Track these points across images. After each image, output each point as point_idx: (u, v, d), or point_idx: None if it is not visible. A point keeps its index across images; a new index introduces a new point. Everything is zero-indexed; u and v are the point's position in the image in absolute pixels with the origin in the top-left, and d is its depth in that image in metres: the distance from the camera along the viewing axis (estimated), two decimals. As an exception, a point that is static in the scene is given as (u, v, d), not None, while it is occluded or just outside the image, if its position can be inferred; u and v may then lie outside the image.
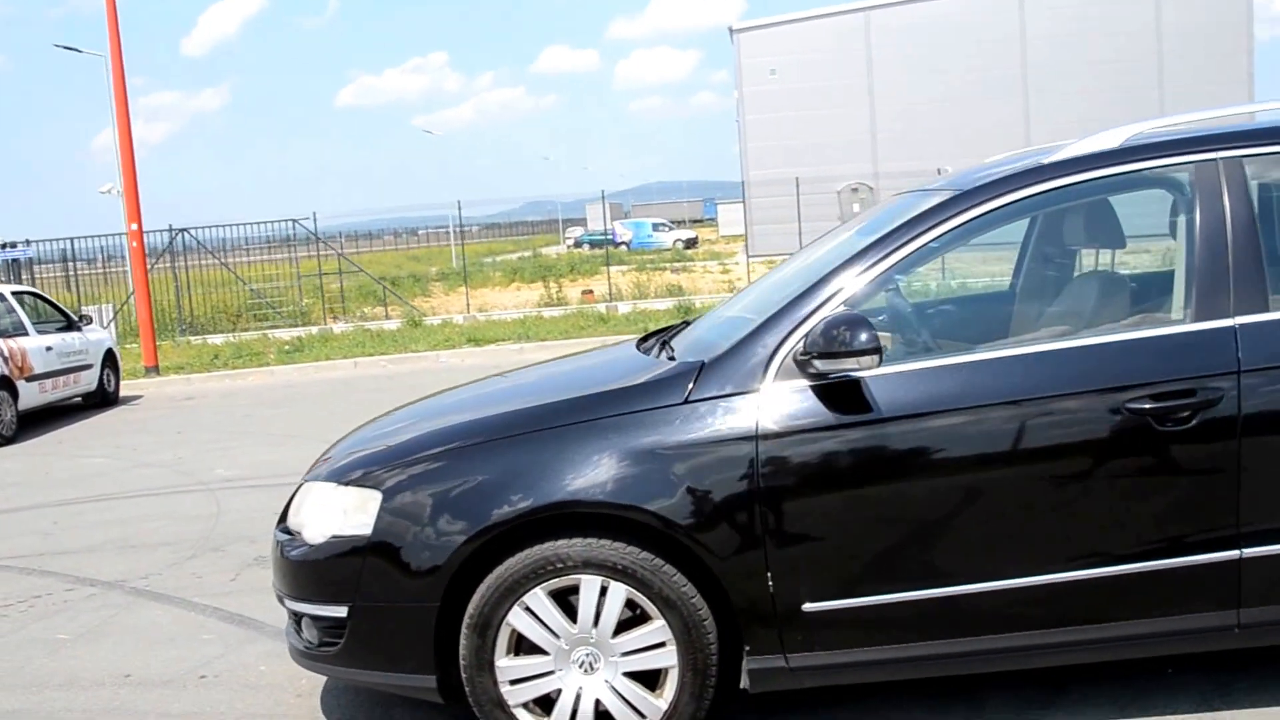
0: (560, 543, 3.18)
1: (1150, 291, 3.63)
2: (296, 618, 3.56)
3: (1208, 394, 3.09)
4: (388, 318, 20.84)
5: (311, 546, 3.41)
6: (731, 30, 41.31)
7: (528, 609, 3.21)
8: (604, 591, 3.19)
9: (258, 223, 23.75)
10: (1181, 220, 3.37)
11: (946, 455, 3.19)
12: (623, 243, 59.83)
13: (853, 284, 3.29)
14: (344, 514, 3.37)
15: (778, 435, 3.15)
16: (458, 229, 31.27)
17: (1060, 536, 3.20)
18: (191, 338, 19.69)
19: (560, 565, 3.18)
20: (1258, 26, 36.18)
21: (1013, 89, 37.83)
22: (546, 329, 16.81)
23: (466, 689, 3.27)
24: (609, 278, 22.53)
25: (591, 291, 22.84)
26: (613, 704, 3.25)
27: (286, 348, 17.00)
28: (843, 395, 3.15)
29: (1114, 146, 3.36)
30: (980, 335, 3.93)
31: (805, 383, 3.16)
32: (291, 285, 23.02)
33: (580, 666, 3.26)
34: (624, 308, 19.76)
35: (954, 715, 3.45)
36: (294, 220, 22.71)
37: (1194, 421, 3.09)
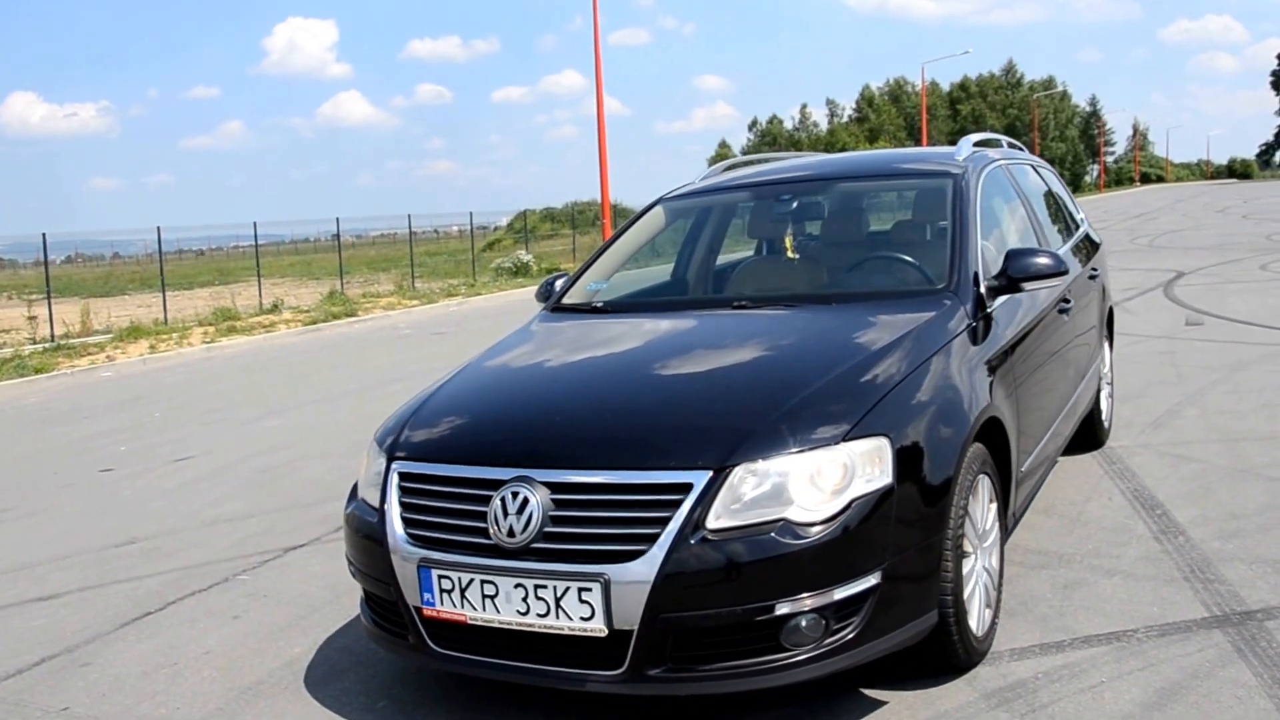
0: (972, 449, 3.46)
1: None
2: (773, 624, 2.94)
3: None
4: None
5: (822, 523, 2.96)
6: None
7: (967, 513, 3.37)
8: (981, 484, 3.55)
9: None
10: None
11: (1051, 336, 4.73)
12: None
13: (978, 240, 4.26)
14: (849, 472, 3.04)
15: (1015, 337, 4.18)
16: None
17: (1071, 377, 5.14)
18: None
19: (974, 469, 3.44)
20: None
21: None
22: None
23: (950, 611, 3.23)
24: None
25: None
26: (986, 581, 3.57)
27: None
28: (1015, 303, 4.29)
29: (1004, 147, 5.64)
30: None
31: (994, 300, 4.09)
32: None
33: (976, 558, 3.52)
34: None
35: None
36: None
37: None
